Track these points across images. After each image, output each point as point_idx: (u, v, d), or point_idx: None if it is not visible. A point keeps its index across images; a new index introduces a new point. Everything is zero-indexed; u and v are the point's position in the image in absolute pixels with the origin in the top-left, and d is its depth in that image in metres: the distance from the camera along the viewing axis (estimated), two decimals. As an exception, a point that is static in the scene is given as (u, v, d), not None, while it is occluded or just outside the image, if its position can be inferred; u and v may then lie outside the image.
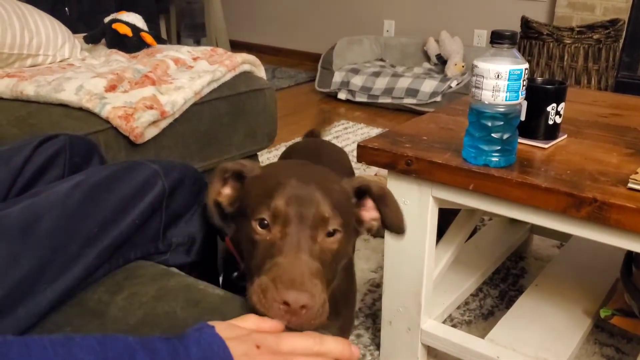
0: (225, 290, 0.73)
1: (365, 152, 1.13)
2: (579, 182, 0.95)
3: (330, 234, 0.68)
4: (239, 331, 0.56)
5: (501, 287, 1.61)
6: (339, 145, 2.70)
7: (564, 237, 1.69)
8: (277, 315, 0.60)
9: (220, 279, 0.99)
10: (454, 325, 1.44)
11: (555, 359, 1.16)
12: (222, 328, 0.55)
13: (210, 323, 0.55)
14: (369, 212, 0.80)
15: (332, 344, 0.60)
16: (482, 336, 1.23)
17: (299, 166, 0.80)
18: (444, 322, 1.35)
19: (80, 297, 0.70)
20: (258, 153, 1.77)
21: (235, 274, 0.87)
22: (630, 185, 0.92)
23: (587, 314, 1.32)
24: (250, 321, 0.59)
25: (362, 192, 0.78)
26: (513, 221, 1.67)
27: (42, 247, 0.65)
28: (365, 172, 2.38)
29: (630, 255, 1.26)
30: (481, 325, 1.45)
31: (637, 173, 0.94)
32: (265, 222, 0.67)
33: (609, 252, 1.42)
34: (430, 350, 1.31)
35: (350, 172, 1.46)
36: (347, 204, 0.75)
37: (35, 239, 0.65)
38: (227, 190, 0.78)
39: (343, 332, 0.95)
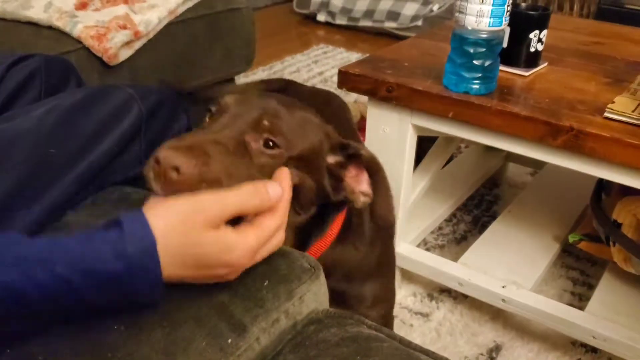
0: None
1: (347, 78, 1.11)
2: (557, 110, 0.96)
3: (268, 146, 0.62)
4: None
5: (475, 213, 1.65)
6: (317, 70, 2.66)
7: (538, 165, 1.72)
8: (150, 178, 0.54)
9: None
10: (427, 249, 1.49)
11: (524, 281, 1.21)
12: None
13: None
14: (357, 182, 0.71)
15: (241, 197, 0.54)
16: (455, 260, 1.28)
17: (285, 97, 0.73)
18: (418, 246, 1.39)
19: (65, 222, 0.70)
20: (235, 77, 1.74)
21: None
22: (606, 114, 0.93)
23: (557, 239, 1.36)
24: None
25: (351, 155, 0.71)
26: (489, 148, 1.70)
27: (17, 172, 0.65)
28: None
29: (600, 182, 1.29)
30: (454, 249, 1.50)
31: (613, 102, 0.95)
32: (212, 112, 0.66)
33: (581, 180, 1.46)
34: (404, 273, 1.36)
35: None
36: (313, 140, 0.68)
37: (10, 164, 0.64)
38: None
39: (378, 299, 0.90)
